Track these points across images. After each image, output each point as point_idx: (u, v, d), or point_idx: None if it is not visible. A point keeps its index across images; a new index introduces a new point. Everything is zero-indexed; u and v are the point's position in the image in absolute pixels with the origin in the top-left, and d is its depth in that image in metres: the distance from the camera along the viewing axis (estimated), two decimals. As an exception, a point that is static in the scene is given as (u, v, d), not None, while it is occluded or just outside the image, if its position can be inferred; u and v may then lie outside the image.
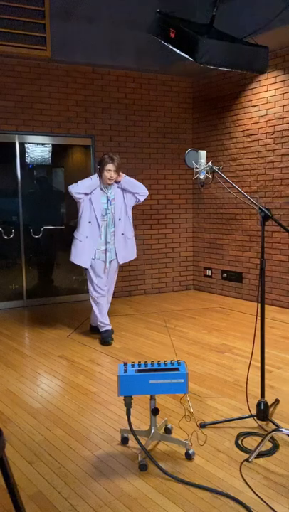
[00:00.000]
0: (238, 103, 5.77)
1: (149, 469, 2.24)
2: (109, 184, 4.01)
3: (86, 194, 4.00)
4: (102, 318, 4.22)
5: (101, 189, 4.03)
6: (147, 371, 2.26)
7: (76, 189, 3.97)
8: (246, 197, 2.73)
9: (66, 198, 6.27)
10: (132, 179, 4.12)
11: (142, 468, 2.24)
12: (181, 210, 6.49)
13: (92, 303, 4.22)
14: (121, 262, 4.20)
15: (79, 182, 4.00)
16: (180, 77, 6.33)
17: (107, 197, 4.05)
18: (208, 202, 6.30)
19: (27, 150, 5.77)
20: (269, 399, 2.69)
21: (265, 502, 1.99)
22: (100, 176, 4.00)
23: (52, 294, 6.00)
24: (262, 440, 2.35)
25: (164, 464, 2.26)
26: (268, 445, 2.41)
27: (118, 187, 4.08)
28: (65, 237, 6.28)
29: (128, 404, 2.29)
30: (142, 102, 6.17)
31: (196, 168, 2.83)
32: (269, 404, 2.65)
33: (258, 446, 2.33)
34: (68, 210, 6.32)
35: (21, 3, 5.00)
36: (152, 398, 2.35)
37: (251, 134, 5.62)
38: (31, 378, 3.45)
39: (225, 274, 6.15)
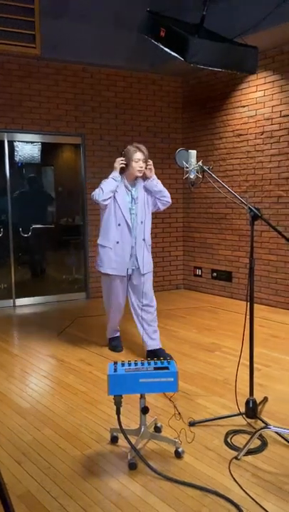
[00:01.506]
0: (227, 103, 5.79)
1: (139, 468, 2.24)
2: (138, 177, 3.56)
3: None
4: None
5: (125, 186, 3.58)
6: (137, 370, 2.26)
7: (102, 197, 3.50)
8: (236, 197, 2.75)
9: (56, 197, 6.25)
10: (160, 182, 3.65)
11: (132, 467, 2.24)
12: (171, 210, 6.49)
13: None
14: (143, 272, 3.62)
15: (102, 186, 3.52)
16: (170, 76, 6.34)
17: (132, 195, 3.60)
18: (199, 201, 6.32)
19: (16, 148, 5.73)
20: (258, 397, 2.71)
21: (253, 499, 2.00)
22: (124, 171, 3.56)
23: (41, 293, 5.97)
24: (251, 438, 2.37)
25: (154, 463, 2.26)
26: (256, 443, 2.42)
27: (144, 185, 3.62)
28: (55, 236, 6.26)
29: (118, 404, 2.29)
30: (132, 101, 6.16)
31: (187, 167, 2.83)
32: (258, 402, 2.67)
33: (246, 443, 2.35)
34: (58, 209, 6.29)
35: (11, 0, 4.96)
36: (142, 397, 2.35)
37: (241, 134, 5.65)
38: (20, 378, 3.43)
39: (215, 274, 6.18)
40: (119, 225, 3.56)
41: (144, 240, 3.62)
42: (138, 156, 3.48)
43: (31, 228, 5.91)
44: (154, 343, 3.67)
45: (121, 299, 3.74)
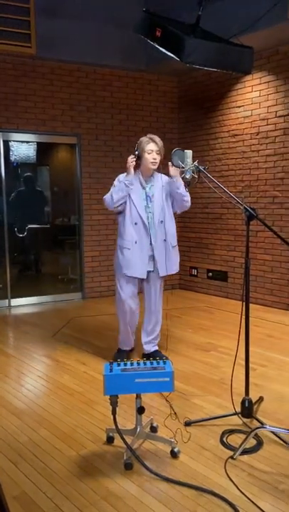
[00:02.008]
0: (223, 103, 5.80)
1: (135, 468, 2.24)
2: (153, 170, 3.32)
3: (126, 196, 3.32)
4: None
5: (140, 183, 3.35)
6: (133, 370, 2.26)
7: (113, 205, 3.29)
8: (232, 197, 2.75)
9: (52, 197, 6.24)
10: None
11: (128, 467, 2.24)
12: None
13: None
14: (162, 275, 3.43)
15: (112, 193, 3.28)
16: (166, 76, 6.34)
17: (146, 193, 3.37)
18: (194, 201, 6.29)
19: (11, 148, 5.72)
20: (253, 396, 2.71)
21: (249, 499, 2.01)
22: (138, 166, 3.32)
23: (37, 293, 5.96)
24: (246, 437, 2.37)
25: (150, 463, 2.26)
26: (252, 442, 2.43)
27: (163, 183, 3.36)
28: (51, 236, 6.25)
29: (114, 404, 2.29)
30: (127, 100, 6.16)
31: (182, 167, 2.83)
32: (253, 401, 2.67)
33: (242, 443, 2.35)
34: (53, 209, 6.28)
35: (6, -1, 4.95)
36: (138, 397, 2.35)
37: (236, 135, 5.66)
38: (15, 378, 3.42)
39: (210, 274, 6.18)
40: (135, 224, 3.34)
41: (164, 240, 3.38)
42: (151, 146, 3.25)
43: (27, 228, 5.89)
44: (153, 347, 3.64)
45: (134, 303, 3.49)
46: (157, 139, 3.31)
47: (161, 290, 3.57)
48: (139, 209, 3.33)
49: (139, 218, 3.34)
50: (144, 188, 3.37)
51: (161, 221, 3.39)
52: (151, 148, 3.26)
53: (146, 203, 3.37)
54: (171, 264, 3.46)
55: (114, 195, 3.30)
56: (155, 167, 3.31)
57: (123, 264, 3.39)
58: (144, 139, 3.31)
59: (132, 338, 3.67)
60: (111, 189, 3.36)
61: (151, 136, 3.31)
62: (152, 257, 3.41)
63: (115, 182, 3.37)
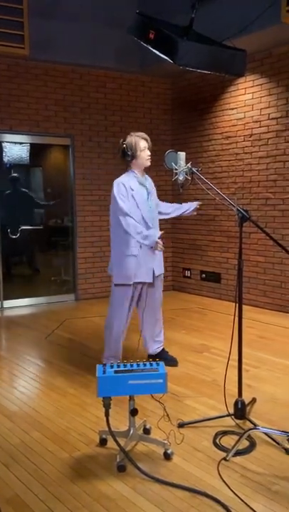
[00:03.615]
0: (216, 105, 5.82)
1: (128, 470, 2.24)
2: (147, 166, 3.35)
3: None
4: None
5: (139, 182, 3.33)
6: (126, 372, 2.26)
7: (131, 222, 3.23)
8: (225, 198, 2.76)
9: (45, 198, 6.22)
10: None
11: (120, 469, 2.23)
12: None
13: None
14: (158, 273, 3.41)
15: (135, 232, 3.20)
16: (159, 78, 6.35)
17: (147, 190, 3.35)
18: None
19: (4, 149, 5.69)
20: (246, 398, 2.72)
21: (242, 500, 2.01)
22: (131, 165, 3.33)
23: (30, 294, 5.93)
24: (239, 439, 2.38)
25: (143, 465, 2.26)
26: (245, 443, 2.43)
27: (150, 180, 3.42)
28: (44, 238, 6.23)
29: (107, 406, 2.28)
30: (121, 102, 6.16)
31: (176, 169, 2.84)
32: (246, 403, 2.68)
33: (235, 444, 2.36)
34: (47, 210, 6.26)
35: (-1, 0, 4.93)
36: (131, 399, 2.35)
37: (229, 137, 5.68)
38: (8, 381, 3.40)
39: (204, 275, 6.20)
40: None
41: (159, 238, 3.30)
42: (144, 144, 3.29)
43: (20, 230, 5.87)
44: (159, 346, 3.60)
45: (130, 313, 3.41)
46: (145, 135, 3.34)
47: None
48: (144, 212, 3.29)
49: (144, 221, 3.29)
50: (144, 185, 3.36)
51: (156, 218, 3.42)
52: (145, 146, 3.30)
53: (148, 201, 3.35)
54: (162, 262, 3.47)
55: (133, 234, 3.23)
56: (149, 163, 3.34)
57: (127, 272, 3.27)
58: (132, 138, 3.30)
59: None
60: (138, 228, 3.22)
61: (139, 134, 3.32)
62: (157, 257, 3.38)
63: (134, 229, 3.21)
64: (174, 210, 3.62)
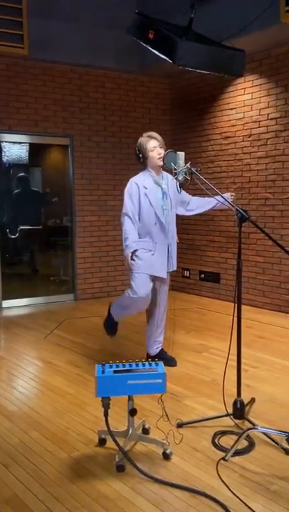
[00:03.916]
0: (215, 105, 5.83)
1: (127, 470, 2.24)
2: (161, 166, 3.29)
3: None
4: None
5: (154, 181, 3.34)
6: (125, 372, 2.26)
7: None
8: (224, 198, 2.76)
9: (45, 198, 6.21)
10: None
11: (119, 469, 2.23)
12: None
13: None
14: (170, 270, 3.45)
15: (128, 237, 3.25)
16: (159, 78, 6.35)
17: (162, 189, 3.36)
18: (186, 203, 6.34)
19: (3, 149, 5.69)
20: (245, 398, 2.72)
21: (241, 500, 2.01)
22: (146, 166, 3.34)
23: (28, 294, 5.93)
24: (238, 438, 2.38)
25: (142, 465, 2.26)
26: (244, 443, 2.44)
27: (170, 180, 3.38)
28: (43, 238, 6.23)
29: (106, 406, 2.28)
30: (120, 102, 6.16)
31: (175, 169, 2.84)
32: (245, 402, 2.68)
33: (234, 444, 2.36)
34: (46, 210, 6.26)
35: (-2, -1, 4.93)
36: (130, 399, 2.35)
37: (228, 137, 5.69)
38: (7, 380, 3.40)
39: (203, 275, 6.20)
40: (155, 224, 3.30)
41: (173, 237, 3.41)
42: (152, 143, 3.28)
43: (19, 229, 5.86)
44: (158, 347, 3.59)
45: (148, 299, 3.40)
46: (155, 134, 3.34)
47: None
48: (157, 210, 3.30)
49: (157, 219, 3.30)
50: (159, 185, 3.36)
51: (173, 220, 3.42)
52: (154, 145, 3.29)
53: (162, 200, 3.34)
54: (175, 260, 3.47)
55: (126, 236, 3.26)
56: (162, 163, 3.23)
57: (145, 265, 3.29)
58: (142, 139, 3.32)
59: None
60: (127, 234, 3.27)
61: (149, 134, 3.34)
62: (168, 255, 3.39)
63: (129, 233, 3.26)
64: (198, 205, 3.53)
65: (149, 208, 3.29)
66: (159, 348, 3.61)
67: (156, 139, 3.32)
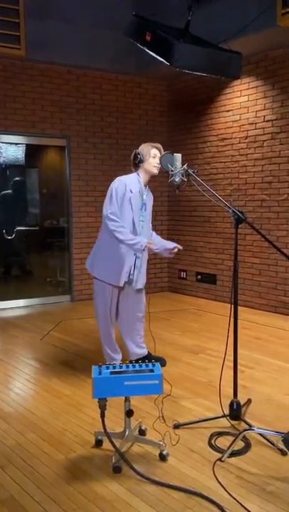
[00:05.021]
0: (212, 107, 5.84)
1: (124, 471, 2.24)
2: (154, 174, 3.33)
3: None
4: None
5: (139, 189, 3.31)
6: (122, 373, 2.26)
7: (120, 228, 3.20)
8: (220, 200, 2.77)
9: (40, 199, 6.21)
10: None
11: (116, 470, 2.23)
12: (156, 212, 6.50)
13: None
14: (139, 287, 3.40)
15: (123, 239, 3.19)
16: (156, 79, 6.37)
17: (142, 200, 3.33)
18: (183, 204, 6.35)
19: (0, 150, 5.68)
20: (241, 399, 2.73)
21: (237, 501, 2.02)
22: (138, 168, 3.33)
23: (25, 295, 5.92)
24: (234, 440, 2.39)
25: (139, 466, 2.26)
26: (240, 444, 2.44)
27: (151, 197, 3.43)
28: (39, 239, 6.22)
29: (103, 407, 2.28)
30: (117, 103, 6.17)
31: (172, 171, 2.84)
32: (241, 404, 2.69)
33: (230, 445, 2.36)
34: (42, 211, 6.25)
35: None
36: (127, 400, 2.35)
37: (225, 139, 5.71)
38: (3, 382, 3.39)
39: (199, 276, 6.21)
40: (130, 232, 3.25)
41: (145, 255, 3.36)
42: (155, 151, 3.31)
43: (15, 230, 5.85)
44: (143, 351, 3.55)
45: (113, 308, 3.40)
46: (160, 146, 3.36)
47: (144, 299, 3.50)
48: (136, 216, 3.28)
49: (133, 227, 3.27)
50: (141, 195, 3.32)
51: (149, 235, 3.40)
52: (156, 153, 3.31)
53: (140, 211, 3.32)
54: (144, 276, 3.42)
55: (122, 240, 3.21)
56: (157, 172, 3.30)
57: (112, 273, 3.26)
58: (146, 144, 3.35)
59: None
60: (129, 238, 3.22)
61: (155, 144, 3.36)
62: (133, 268, 3.30)
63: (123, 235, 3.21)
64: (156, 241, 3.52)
65: (129, 212, 3.24)
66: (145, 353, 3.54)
67: (159, 149, 3.33)
